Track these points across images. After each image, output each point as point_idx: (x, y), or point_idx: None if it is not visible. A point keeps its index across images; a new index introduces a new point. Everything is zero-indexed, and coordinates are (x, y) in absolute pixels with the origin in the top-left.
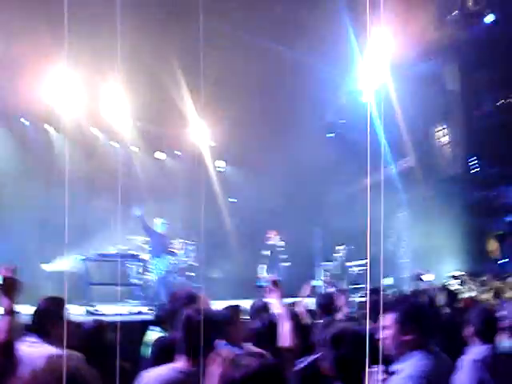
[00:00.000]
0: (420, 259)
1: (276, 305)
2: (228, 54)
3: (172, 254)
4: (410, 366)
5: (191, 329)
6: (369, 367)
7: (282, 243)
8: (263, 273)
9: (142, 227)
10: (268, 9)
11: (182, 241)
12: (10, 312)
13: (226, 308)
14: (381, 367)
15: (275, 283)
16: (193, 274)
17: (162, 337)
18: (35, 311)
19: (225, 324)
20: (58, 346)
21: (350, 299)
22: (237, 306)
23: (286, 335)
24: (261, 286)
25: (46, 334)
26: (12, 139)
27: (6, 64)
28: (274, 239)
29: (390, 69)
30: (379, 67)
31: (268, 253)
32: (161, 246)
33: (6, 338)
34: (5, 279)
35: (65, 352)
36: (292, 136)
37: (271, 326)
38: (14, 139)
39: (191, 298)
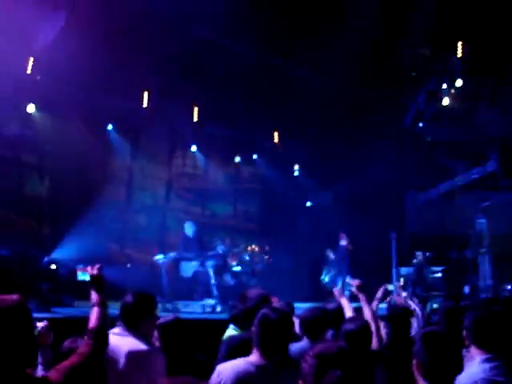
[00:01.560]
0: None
1: (347, 308)
2: None
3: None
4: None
5: (267, 326)
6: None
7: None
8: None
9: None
10: None
11: (252, 247)
12: (100, 304)
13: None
14: None
15: (360, 287)
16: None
17: (233, 336)
18: (125, 304)
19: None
20: (143, 341)
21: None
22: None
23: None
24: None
25: (134, 327)
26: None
27: None
28: (345, 241)
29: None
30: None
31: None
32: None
33: (98, 324)
34: (92, 276)
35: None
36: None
37: (364, 329)
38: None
39: (262, 298)
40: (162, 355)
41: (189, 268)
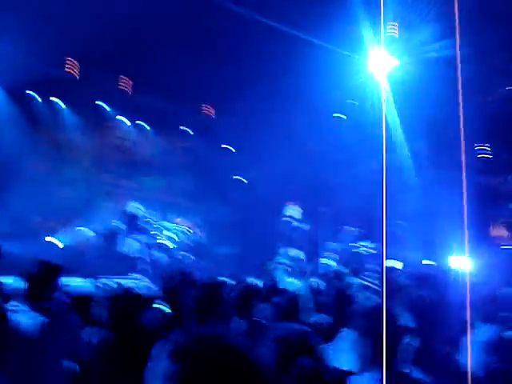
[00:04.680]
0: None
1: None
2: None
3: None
4: None
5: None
6: None
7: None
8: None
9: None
10: None
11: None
12: None
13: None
14: None
15: None
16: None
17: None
18: (30, 275)
19: None
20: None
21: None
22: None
23: None
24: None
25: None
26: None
27: None
28: (292, 210)
29: (405, 50)
30: (392, 48)
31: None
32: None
33: None
34: None
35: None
36: (299, 116)
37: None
38: (24, 114)
39: (184, 277)
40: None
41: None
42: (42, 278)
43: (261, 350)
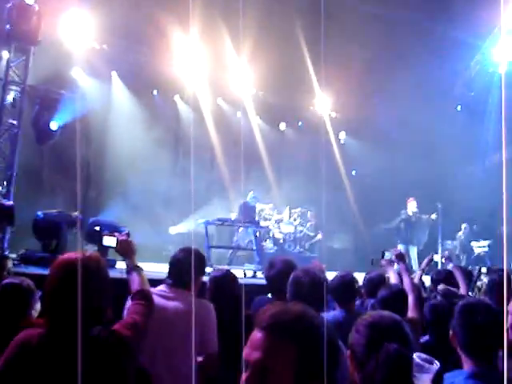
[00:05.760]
0: None
1: (393, 278)
2: (352, 26)
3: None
4: None
5: (298, 287)
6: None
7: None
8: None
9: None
10: None
11: (297, 210)
12: (135, 269)
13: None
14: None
15: (400, 256)
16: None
17: (261, 297)
18: (174, 261)
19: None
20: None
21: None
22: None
23: (411, 307)
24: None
25: (184, 284)
26: (143, 110)
27: (139, 38)
28: (411, 206)
29: None
30: None
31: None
32: (247, 217)
33: (142, 287)
34: (120, 242)
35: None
36: (418, 108)
37: (398, 296)
38: (145, 110)
39: (288, 266)
40: (213, 308)
41: (233, 234)
42: (190, 264)
43: (353, 335)
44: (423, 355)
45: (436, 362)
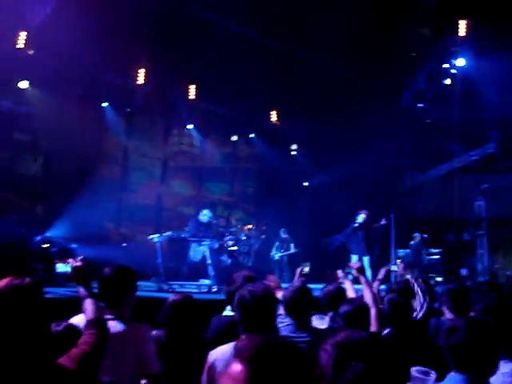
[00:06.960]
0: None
1: (350, 289)
2: None
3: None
4: None
5: (244, 308)
6: None
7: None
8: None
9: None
10: None
11: (249, 227)
12: (89, 296)
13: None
14: None
15: (361, 270)
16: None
17: (218, 316)
18: (104, 278)
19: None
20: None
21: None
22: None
23: (372, 321)
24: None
25: (113, 305)
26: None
27: None
28: (361, 218)
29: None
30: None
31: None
32: (200, 233)
33: (96, 316)
34: (74, 269)
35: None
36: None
37: (361, 310)
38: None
39: (248, 280)
40: (149, 329)
41: (187, 249)
42: (119, 282)
43: (321, 355)
44: (420, 368)
45: (432, 372)
